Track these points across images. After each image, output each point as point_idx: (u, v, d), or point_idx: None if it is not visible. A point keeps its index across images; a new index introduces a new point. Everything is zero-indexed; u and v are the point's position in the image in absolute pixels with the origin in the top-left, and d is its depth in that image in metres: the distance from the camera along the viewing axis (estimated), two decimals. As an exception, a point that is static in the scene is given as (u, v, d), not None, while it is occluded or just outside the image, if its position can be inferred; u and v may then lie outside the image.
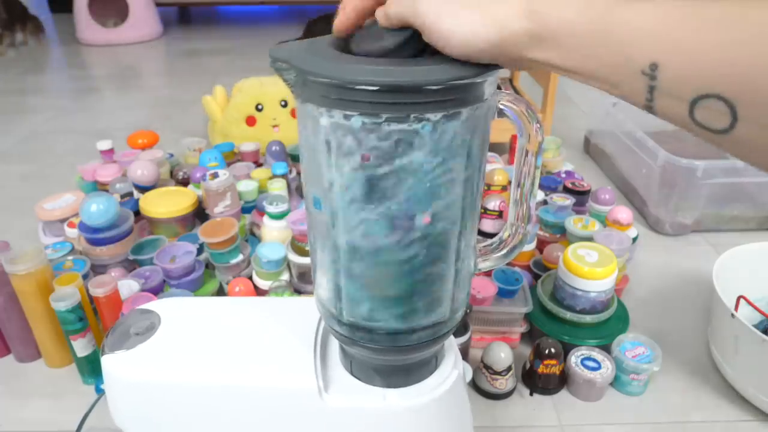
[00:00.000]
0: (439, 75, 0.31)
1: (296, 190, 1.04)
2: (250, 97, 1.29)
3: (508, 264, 0.78)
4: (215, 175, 0.91)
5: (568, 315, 0.75)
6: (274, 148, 1.14)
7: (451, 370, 0.46)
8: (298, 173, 1.08)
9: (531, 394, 0.73)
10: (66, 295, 0.69)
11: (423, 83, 0.30)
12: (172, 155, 1.20)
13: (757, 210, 1.09)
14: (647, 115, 0.28)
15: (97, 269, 0.83)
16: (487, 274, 0.79)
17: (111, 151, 1.13)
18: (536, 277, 0.86)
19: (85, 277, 0.76)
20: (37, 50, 2.55)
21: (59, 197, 0.97)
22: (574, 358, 0.73)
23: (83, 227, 0.82)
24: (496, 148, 1.18)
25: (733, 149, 0.26)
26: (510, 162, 1.11)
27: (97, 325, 0.74)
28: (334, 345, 0.48)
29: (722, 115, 0.24)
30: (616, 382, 0.74)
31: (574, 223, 0.89)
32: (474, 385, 0.74)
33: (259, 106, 1.29)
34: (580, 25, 0.27)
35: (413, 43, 0.33)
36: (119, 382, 0.46)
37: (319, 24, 1.97)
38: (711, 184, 1.02)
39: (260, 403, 0.45)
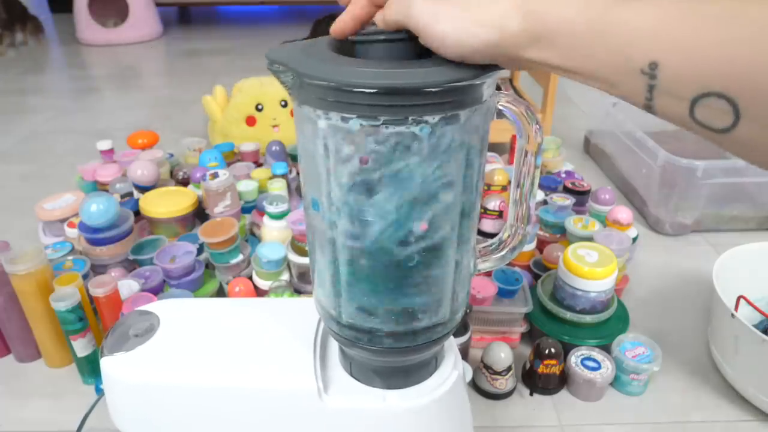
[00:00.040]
0: (437, 77, 0.30)
1: (296, 190, 1.04)
2: (250, 97, 1.29)
3: (508, 264, 0.78)
4: (215, 175, 0.91)
5: (568, 315, 0.75)
6: (274, 148, 1.14)
7: (451, 371, 0.46)
8: (298, 173, 1.08)
9: (531, 394, 0.73)
10: (66, 295, 0.69)
11: (421, 85, 0.30)
12: (172, 155, 1.20)
13: (757, 210, 1.08)
14: (647, 115, 0.28)
15: (97, 269, 0.83)
16: (487, 274, 0.79)
17: (111, 151, 1.14)
18: (536, 277, 0.86)
19: (85, 277, 0.76)
20: (37, 50, 2.55)
21: (59, 197, 0.97)
22: (574, 358, 0.73)
23: (83, 227, 0.82)
24: (496, 148, 1.18)
25: (734, 148, 0.26)
26: (510, 162, 1.11)
27: (97, 325, 0.74)
28: (334, 346, 0.48)
29: (724, 114, 0.24)
30: (616, 382, 0.74)
31: (574, 223, 0.89)
32: (474, 385, 0.74)
33: (259, 106, 1.29)
34: (578, 25, 0.27)
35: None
36: (119, 384, 0.46)
37: (324, 24, 1.98)
38: (711, 184, 1.02)
39: (260, 405, 0.45)
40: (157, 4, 2.79)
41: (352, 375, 0.45)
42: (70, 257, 0.80)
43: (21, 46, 2.52)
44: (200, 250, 0.85)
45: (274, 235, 0.87)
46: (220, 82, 1.42)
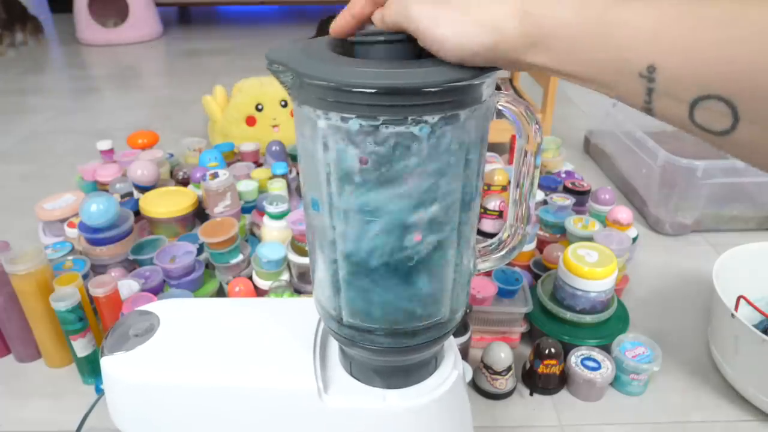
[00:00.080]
0: (436, 77, 0.30)
1: (296, 190, 1.04)
2: (250, 97, 1.29)
3: (508, 264, 0.78)
4: (215, 175, 0.91)
5: (568, 315, 0.75)
6: (274, 148, 1.14)
7: (451, 371, 0.46)
8: (298, 173, 1.07)
9: (531, 394, 0.73)
10: (66, 295, 0.69)
11: (420, 85, 0.30)
12: (172, 155, 1.20)
13: (757, 210, 1.08)
14: (647, 115, 0.28)
15: (97, 269, 0.83)
16: (487, 274, 0.79)
17: (111, 151, 1.14)
18: (536, 277, 0.86)
19: (85, 277, 0.76)
20: (37, 50, 2.55)
21: (59, 197, 0.97)
22: (574, 358, 0.73)
23: (83, 227, 0.82)
24: (496, 148, 1.18)
25: (734, 151, 0.25)
26: (510, 162, 1.11)
27: (97, 325, 0.74)
28: (334, 346, 0.48)
29: (723, 117, 0.24)
30: (616, 382, 0.74)
31: (574, 223, 0.89)
32: (474, 385, 0.74)
33: (259, 106, 1.29)
34: (575, 28, 0.27)
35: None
36: (119, 384, 0.46)
37: (329, 23, 1.98)
38: (711, 184, 1.02)
39: (260, 405, 0.45)
40: (157, 4, 2.79)
41: (352, 375, 0.45)
42: (70, 257, 0.80)
43: (21, 46, 2.52)
44: (200, 250, 0.85)
45: (274, 235, 0.87)
46: (220, 82, 1.42)
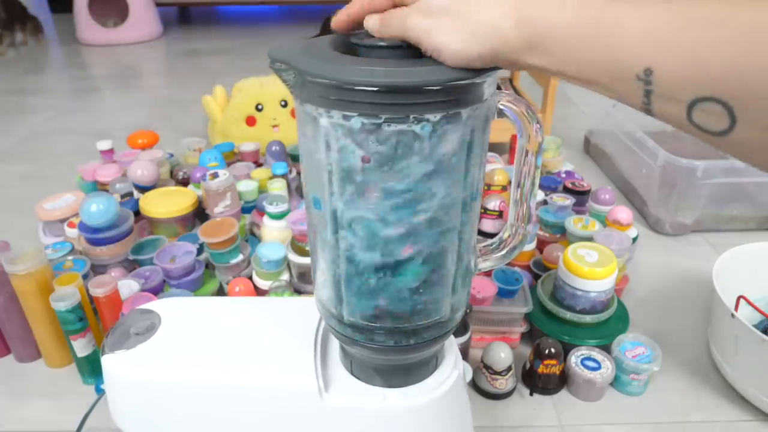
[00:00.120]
0: (438, 76, 0.31)
1: (296, 190, 1.04)
2: (250, 97, 1.29)
3: (508, 264, 0.78)
4: (215, 175, 0.91)
5: (568, 315, 0.75)
6: (274, 148, 1.14)
7: (451, 370, 0.46)
8: (298, 173, 1.08)
9: (531, 394, 0.73)
10: (66, 295, 0.69)
11: (422, 84, 0.30)
12: (172, 155, 1.20)
13: (757, 210, 1.09)
14: (647, 115, 0.28)
15: (97, 269, 0.83)
16: (487, 274, 0.79)
17: (111, 151, 1.14)
18: (536, 277, 0.86)
19: (85, 277, 0.76)
20: (37, 50, 2.55)
21: (59, 197, 0.97)
22: (574, 358, 0.73)
23: (83, 227, 0.82)
24: (496, 148, 1.18)
25: (732, 150, 0.26)
26: (510, 162, 1.11)
27: (97, 325, 0.74)
28: (335, 345, 0.48)
29: (720, 118, 0.24)
30: (616, 382, 0.74)
31: (574, 223, 0.89)
32: (474, 385, 0.74)
33: (259, 106, 1.29)
34: (571, 30, 0.27)
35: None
36: (119, 382, 0.46)
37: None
38: (711, 184, 1.02)
39: (260, 403, 0.45)
40: (157, 4, 2.79)
41: (352, 374, 0.45)
42: (70, 257, 0.80)
43: (21, 46, 2.52)
44: (200, 250, 0.85)
45: (274, 235, 0.87)
46: (220, 82, 1.42)
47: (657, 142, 1.07)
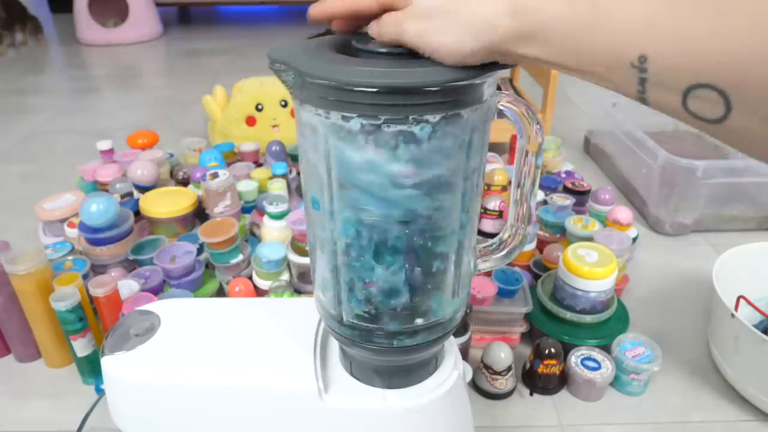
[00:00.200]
0: (437, 76, 0.30)
1: (296, 190, 1.04)
2: (250, 97, 1.29)
3: (508, 264, 0.78)
4: (215, 175, 0.91)
5: (568, 315, 0.75)
6: (274, 148, 1.14)
7: (451, 371, 0.46)
8: (298, 173, 1.08)
9: (531, 394, 0.73)
10: (66, 295, 0.69)
11: (421, 85, 0.30)
12: (172, 155, 1.20)
13: (757, 210, 1.09)
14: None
15: (97, 269, 0.83)
16: (487, 274, 0.79)
17: (111, 151, 1.14)
18: (536, 277, 0.86)
19: (85, 277, 0.76)
20: (37, 50, 2.55)
21: (59, 197, 0.97)
22: (574, 358, 0.73)
23: (83, 227, 0.82)
24: (496, 148, 1.18)
25: (727, 138, 0.26)
26: (510, 162, 1.11)
27: (97, 325, 0.74)
28: (334, 346, 0.48)
29: (716, 105, 0.24)
30: (616, 382, 0.74)
31: (574, 223, 0.89)
32: (474, 385, 0.74)
33: (259, 106, 1.29)
34: (566, 20, 0.27)
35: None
36: (119, 384, 0.46)
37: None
38: (711, 184, 1.02)
39: (260, 404, 0.45)
40: (157, 4, 2.79)
41: (352, 375, 0.45)
42: (70, 257, 0.80)
43: (21, 46, 2.52)
44: (200, 250, 0.85)
45: (274, 235, 0.87)
46: (220, 82, 1.42)
47: (657, 142, 1.07)
